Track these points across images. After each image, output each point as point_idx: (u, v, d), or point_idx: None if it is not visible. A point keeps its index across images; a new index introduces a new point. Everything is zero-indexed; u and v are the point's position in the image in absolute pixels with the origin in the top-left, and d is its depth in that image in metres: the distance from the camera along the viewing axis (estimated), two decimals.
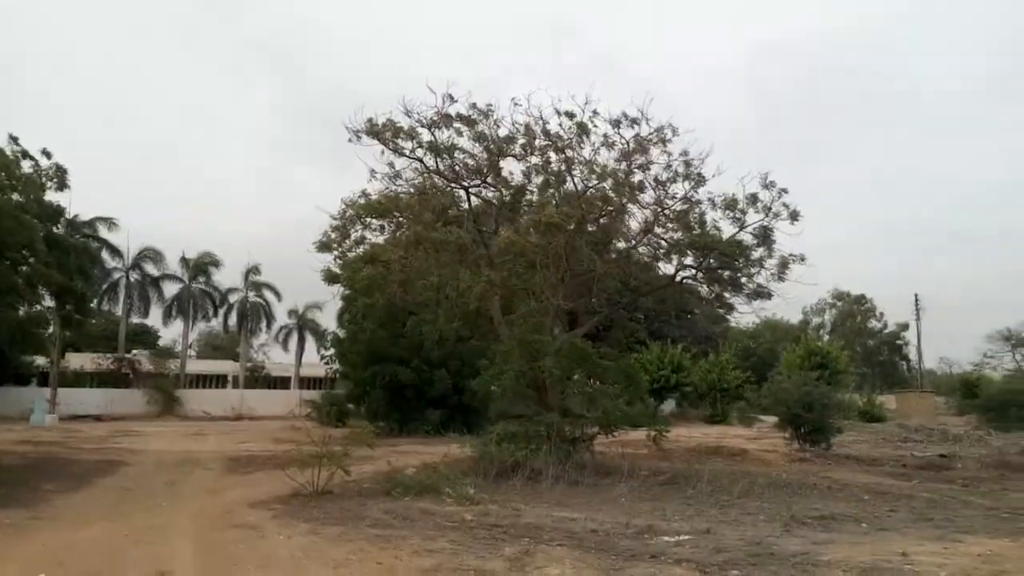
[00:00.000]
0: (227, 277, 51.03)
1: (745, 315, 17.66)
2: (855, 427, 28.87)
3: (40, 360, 41.87)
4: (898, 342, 68.16)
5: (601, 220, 14.85)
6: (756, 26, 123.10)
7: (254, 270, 50.34)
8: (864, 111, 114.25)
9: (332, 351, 34.78)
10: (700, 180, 15.17)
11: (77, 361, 45.22)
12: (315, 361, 56.70)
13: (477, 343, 27.67)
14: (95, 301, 45.73)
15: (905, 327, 66.30)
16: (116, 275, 46.57)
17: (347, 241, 14.64)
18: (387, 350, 27.49)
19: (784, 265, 14.12)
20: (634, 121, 14.86)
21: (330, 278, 19.13)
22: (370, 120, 14.14)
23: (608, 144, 15.41)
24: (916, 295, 61.24)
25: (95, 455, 18.84)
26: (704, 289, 15.76)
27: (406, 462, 15.80)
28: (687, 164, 15.17)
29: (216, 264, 48.88)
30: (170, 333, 54.90)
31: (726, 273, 14.93)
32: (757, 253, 14.46)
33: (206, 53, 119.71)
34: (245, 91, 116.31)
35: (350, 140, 14.14)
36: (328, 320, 51.68)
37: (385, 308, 26.82)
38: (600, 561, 7.09)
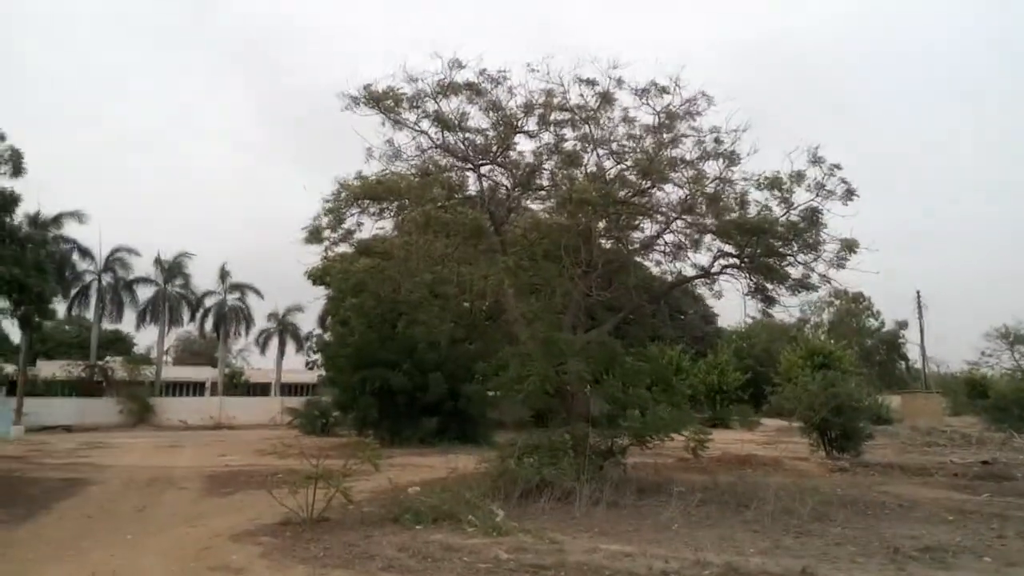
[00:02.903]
0: (208, 280, 48.52)
1: (789, 307, 15.85)
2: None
3: (9, 368, 39.73)
4: (900, 340, 66.09)
5: (632, 200, 13.06)
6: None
7: (228, 271, 47.96)
8: (856, 112, 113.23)
9: (318, 356, 32.86)
10: (734, 159, 13.52)
11: (48, 369, 43.02)
12: (296, 367, 54.74)
13: (472, 345, 25.92)
14: (67, 307, 43.58)
15: (904, 325, 64.17)
16: (88, 278, 43.88)
17: (340, 228, 12.73)
18: (377, 354, 25.58)
19: (850, 248, 12.37)
20: (663, 90, 13.17)
21: (316, 277, 17.25)
22: (368, 87, 12.31)
23: (628, 120, 13.76)
24: (918, 292, 59.02)
25: (58, 472, 17.05)
26: (744, 281, 13.97)
27: (407, 478, 14.07)
28: (717, 141, 13.54)
29: (184, 266, 46.37)
30: (145, 339, 52.41)
31: (772, 260, 13.17)
32: (810, 237, 12.72)
33: (181, 52, 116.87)
34: (223, 92, 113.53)
35: (346, 108, 12.26)
36: (309, 323, 49.66)
37: (375, 308, 25.03)
38: None
